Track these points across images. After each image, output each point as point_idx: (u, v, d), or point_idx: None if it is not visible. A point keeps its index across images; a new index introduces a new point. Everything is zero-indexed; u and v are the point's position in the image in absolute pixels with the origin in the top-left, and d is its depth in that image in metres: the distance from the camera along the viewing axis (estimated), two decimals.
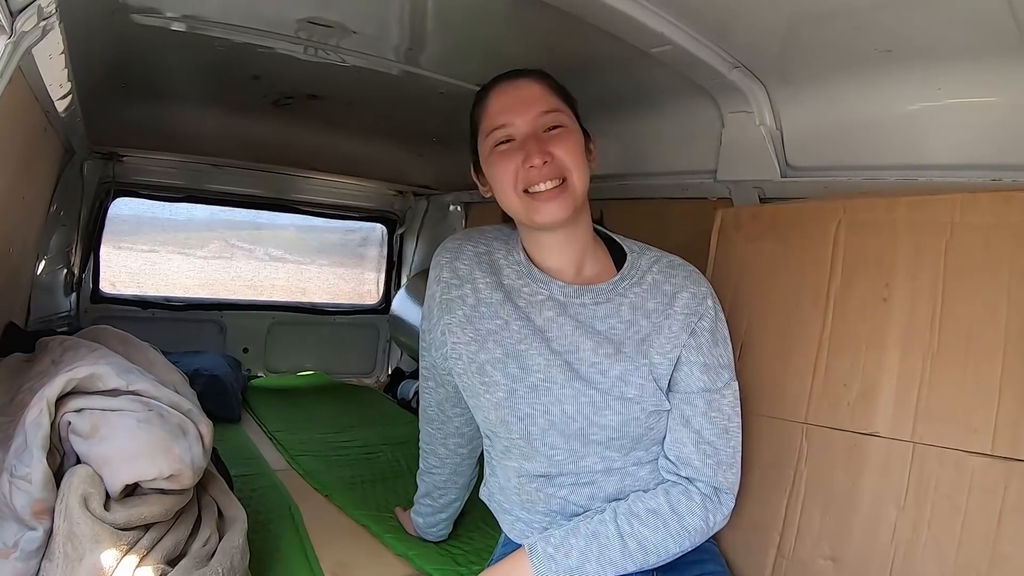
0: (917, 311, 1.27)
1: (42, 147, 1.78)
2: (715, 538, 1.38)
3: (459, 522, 1.63)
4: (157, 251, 3.23)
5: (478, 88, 1.26)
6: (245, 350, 3.03)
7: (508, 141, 1.15)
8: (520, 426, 1.17)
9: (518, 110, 1.15)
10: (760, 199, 1.63)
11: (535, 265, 1.22)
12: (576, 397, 1.16)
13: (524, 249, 1.24)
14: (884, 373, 1.29)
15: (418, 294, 2.80)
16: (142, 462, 1.12)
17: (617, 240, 1.28)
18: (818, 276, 1.40)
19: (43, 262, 2.29)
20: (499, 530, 1.36)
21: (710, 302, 1.23)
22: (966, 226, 1.23)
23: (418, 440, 1.53)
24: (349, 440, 2.30)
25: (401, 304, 3.04)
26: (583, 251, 1.23)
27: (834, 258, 1.39)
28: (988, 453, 1.16)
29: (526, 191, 1.14)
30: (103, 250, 2.83)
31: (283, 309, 3.17)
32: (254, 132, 2.47)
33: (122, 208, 2.87)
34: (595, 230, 1.28)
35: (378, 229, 3.34)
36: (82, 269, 2.66)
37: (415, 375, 2.86)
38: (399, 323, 3.01)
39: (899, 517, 1.25)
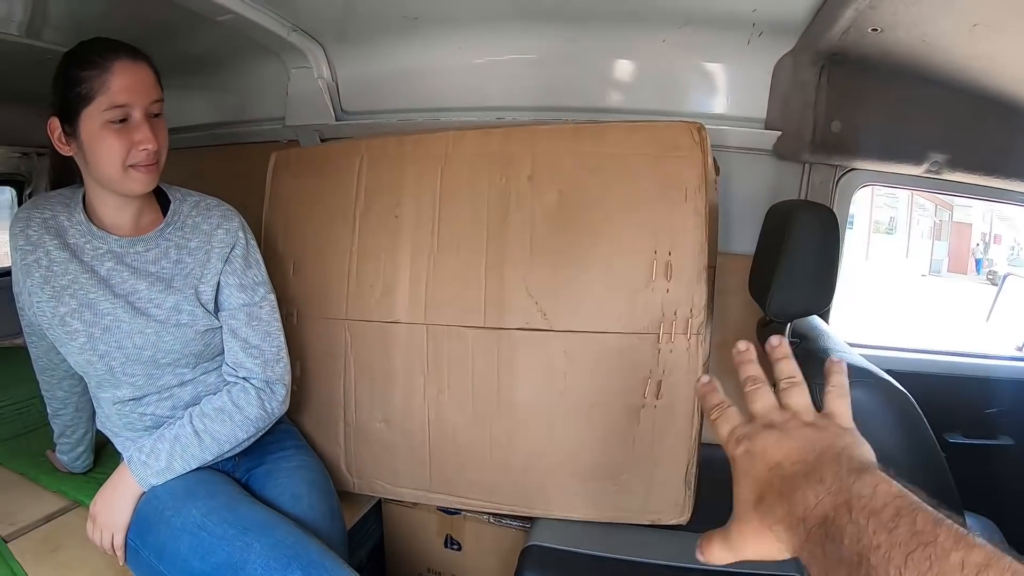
0: (421, 223, 1.59)
1: None
2: (293, 420, 1.68)
3: (101, 451, 1.75)
4: None
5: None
6: None
7: (123, 120, 1.21)
8: (103, 363, 1.31)
9: (139, 95, 1.22)
10: (321, 139, 1.87)
11: (94, 223, 1.33)
12: (142, 330, 1.31)
13: (84, 210, 1.33)
14: (399, 273, 1.60)
15: None
16: None
17: (164, 189, 1.42)
18: (346, 202, 1.66)
19: None
20: None
21: (241, 233, 1.42)
22: (456, 156, 1.58)
23: None
24: (1, 401, 2.31)
25: None
26: (142, 207, 1.36)
27: (358, 187, 1.66)
28: (481, 326, 1.54)
29: (131, 165, 1.24)
30: None
31: None
32: None
33: None
34: None
35: (7, 191, 3.20)
36: None
37: None
38: None
39: (426, 382, 1.59)
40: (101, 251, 1.32)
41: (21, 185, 3.20)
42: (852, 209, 1.89)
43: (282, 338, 1.46)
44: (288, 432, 1.59)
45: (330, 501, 1.43)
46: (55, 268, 1.30)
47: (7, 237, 3.34)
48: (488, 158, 1.56)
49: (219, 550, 1.18)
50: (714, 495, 1.53)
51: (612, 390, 1.47)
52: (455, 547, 1.76)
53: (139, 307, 1.31)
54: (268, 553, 1.15)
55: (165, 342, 1.32)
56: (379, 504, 1.81)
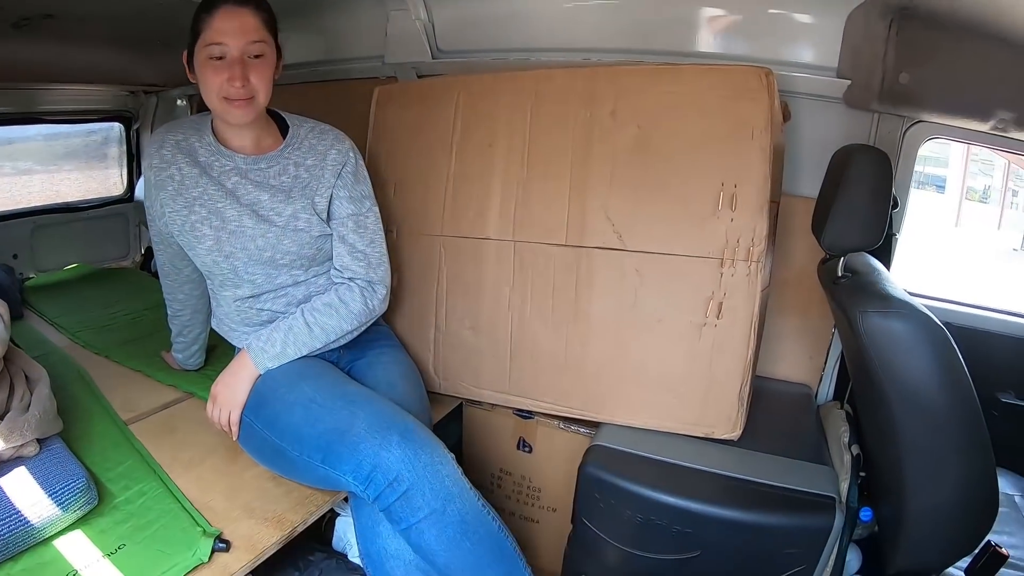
0: (512, 153, 1.74)
1: None
2: (390, 323, 1.86)
3: (210, 352, 1.98)
4: None
5: None
6: (15, 256, 3.16)
7: (220, 58, 1.37)
8: (228, 263, 1.49)
9: (234, 35, 1.36)
10: (418, 76, 2.04)
11: (222, 144, 1.50)
12: (264, 234, 1.48)
13: (214, 132, 1.50)
14: (492, 196, 1.76)
15: None
16: None
17: (283, 116, 1.59)
18: (445, 132, 1.82)
19: None
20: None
21: (351, 153, 1.58)
22: (546, 92, 1.72)
23: None
24: (117, 312, 2.62)
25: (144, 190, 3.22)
26: (260, 132, 1.53)
27: (455, 118, 1.81)
28: (563, 244, 1.68)
29: (225, 97, 1.39)
30: None
31: (42, 213, 3.30)
32: None
33: None
34: (268, 112, 1.56)
35: (116, 127, 3.52)
36: None
37: None
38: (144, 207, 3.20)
39: (511, 293, 1.75)
40: (228, 168, 1.49)
41: (128, 121, 3.49)
42: (944, 172, 1.89)
43: (384, 246, 1.62)
44: (386, 333, 1.77)
45: (420, 392, 1.60)
46: (187, 182, 1.47)
47: (119, 171, 3.57)
48: (575, 95, 1.69)
49: (327, 418, 1.32)
50: (762, 422, 1.66)
51: (677, 308, 1.60)
52: (526, 449, 1.93)
53: (262, 214, 1.48)
54: (370, 420, 1.29)
55: (283, 245, 1.49)
56: (460, 408, 1.98)
